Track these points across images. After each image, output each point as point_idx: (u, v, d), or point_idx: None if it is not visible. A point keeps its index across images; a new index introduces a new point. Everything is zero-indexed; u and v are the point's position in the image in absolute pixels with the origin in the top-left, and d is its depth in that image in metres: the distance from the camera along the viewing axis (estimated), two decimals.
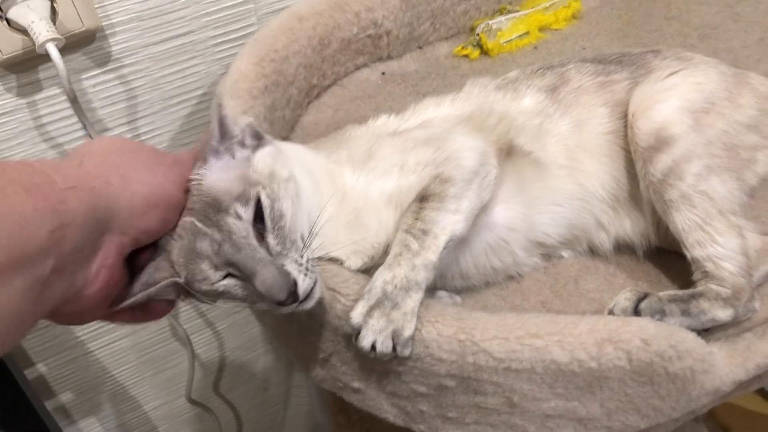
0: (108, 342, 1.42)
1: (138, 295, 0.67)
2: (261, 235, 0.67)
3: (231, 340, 1.64)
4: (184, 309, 1.49)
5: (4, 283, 0.49)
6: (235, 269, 0.66)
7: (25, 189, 0.52)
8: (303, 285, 0.65)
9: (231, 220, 0.66)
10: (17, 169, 0.54)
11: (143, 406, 1.61)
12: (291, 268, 0.66)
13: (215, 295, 0.68)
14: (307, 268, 0.67)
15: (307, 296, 0.66)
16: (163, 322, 1.46)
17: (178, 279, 0.67)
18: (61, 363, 1.38)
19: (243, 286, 0.67)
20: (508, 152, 0.83)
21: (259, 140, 0.74)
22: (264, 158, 0.72)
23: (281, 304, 0.65)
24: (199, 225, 0.66)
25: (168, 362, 1.56)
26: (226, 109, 0.72)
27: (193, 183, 0.69)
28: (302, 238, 0.70)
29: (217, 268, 0.66)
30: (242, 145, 0.72)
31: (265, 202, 0.67)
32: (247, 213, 0.66)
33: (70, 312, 0.61)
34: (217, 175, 0.69)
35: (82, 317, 0.63)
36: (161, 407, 1.65)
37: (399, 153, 0.80)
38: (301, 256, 0.67)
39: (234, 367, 1.71)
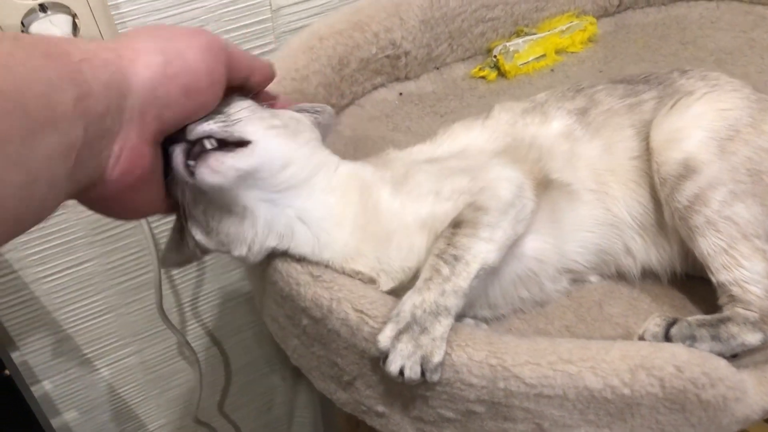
0: (114, 360, 1.41)
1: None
2: None
3: (237, 359, 1.63)
4: (192, 326, 1.48)
5: (40, 140, 0.48)
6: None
7: (45, 54, 0.50)
8: (201, 125, 0.65)
9: None
10: (34, 38, 0.52)
11: (148, 426, 1.59)
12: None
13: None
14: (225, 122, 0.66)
15: (201, 147, 0.65)
16: (170, 339, 1.45)
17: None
18: (67, 381, 1.37)
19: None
20: (544, 185, 0.82)
21: None
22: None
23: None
24: None
25: (173, 381, 1.55)
26: None
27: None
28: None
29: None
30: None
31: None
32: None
33: (97, 197, 0.60)
34: None
35: (108, 206, 0.62)
36: (166, 426, 1.63)
37: (435, 180, 0.79)
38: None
39: (239, 386, 1.69)
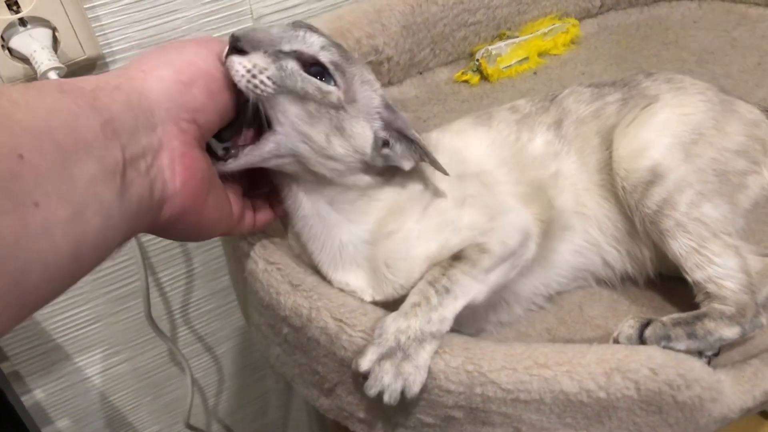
0: (106, 368, 1.41)
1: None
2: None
3: (229, 364, 1.63)
4: (183, 333, 1.48)
5: (77, 168, 0.47)
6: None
7: (59, 91, 0.50)
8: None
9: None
10: (44, 81, 0.55)
11: None
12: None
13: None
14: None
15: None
16: (161, 347, 1.45)
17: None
18: (59, 389, 1.37)
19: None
20: (548, 224, 0.83)
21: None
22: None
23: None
24: None
25: (166, 387, 1.55)
26: None
27: None
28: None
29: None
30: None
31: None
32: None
33: (171, 218, 0.59)
34: None
35: (184, 224, 0.62)
36: None
37: (454, 209, 0.78)
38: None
39: (232, 391, 1.70)
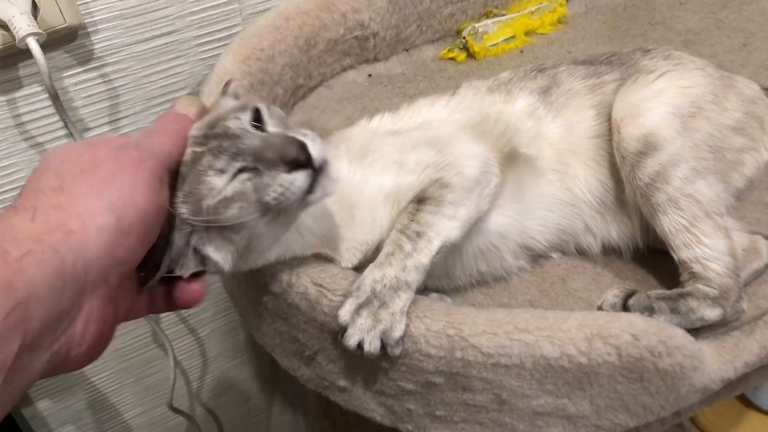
0: None
1: (159, 271, 0.61)
2: (261, 131, 0.65)
3: (213, 347, 1.62)
4: (166, 315, 1.47)
5: None
6: (240, 158, 0.61)
7: None
8: (314, 146, 0.61)
9: (227, 123, 0.63)
10: None
11: (123, 414, 1.58)
12: (296, 134, 0.62)
13: (225, 207, 0.61)
14: (314, 139, 0.63)
15: (323, 168, 0.62)
16: (144, 327, 1.44)
17: (184, 215, 0.61)
18: None
19: (251, 176, 0.61)
20: (510, 158, 0.82)
21: None
22: (280, 113, 0.70)
23: (294, 163, 0.60)
24: (198, 149, 0.62)
25: (149, 369, 1.53)
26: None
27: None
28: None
29: (222, 171, 0.61)
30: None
31: (264, 109, 0.66)
32: (245, 115, 0.64)
33: (65, 368, 0.54)
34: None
35: (81, 365, 0.56)
36: (142, 415, 1.62)
37: (398, 151, 0.79)
38: (305, 132, 0.64)
39: (217, 374, 1.69)
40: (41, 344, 0.49)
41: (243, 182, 0.61)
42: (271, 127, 0.65)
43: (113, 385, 1.51)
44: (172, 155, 0.62)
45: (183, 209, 0.61)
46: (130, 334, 1.43)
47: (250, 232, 0.64)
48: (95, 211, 0.53)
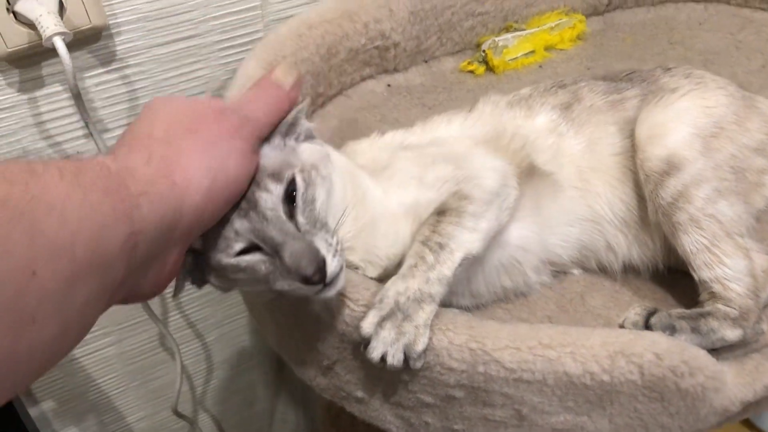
0: (95, 349, 1.39)
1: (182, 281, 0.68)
2: (290, 213, 0.65)
3: (219, 352, 1.61)
4: (174, 319, 1.46)
5: (81, 287, 0.47)
6: (261, 241, 0.63)
7: (104, 191, 0.50)
8: (332, 265, 0.63)
9: (260, 193, 0.64)
10: (94, 170, 0.51)
11: (127, 418, 1.57)
12: (320, 245, 0.63)
13: (234, 271, 0.65)
14: (336, 250, 0.64)
15: (332, 281, 0.63)
16: (152, 330, 1.43)
17: (196, 246, 0.65)
18: None
19: (266, 261, 0.64)
20: (528, 173, 0.82)
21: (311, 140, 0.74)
22: (311, 149, 0.71)
23: (307, 281, 0.61)
24: None
25: (155, 373, 1.53)
26: (305, 107, 0.72)
27: None
28: (332, 222, 0.68)
29: (239, 234, 0.64)
30: (297, 138, 0.72)
31: (300, 183, 0.66)
32: (277, 189, 0.65)
33: (127, 300, 0.59)
34: (265, 157, 0.67)
35: (138, 300, 0.61)
36: (145, 419, 1.61)
37: (417, 166, 0.79)
38: (331, 237, 0.65)
39: (221, 380, 1.68)
40: (132, 278, 0.54)
41: (257, 262, 0.64)
42: (301, 214, 0.66)
43: (119, 388, 1.50)
44: (266, 125, 0.67)
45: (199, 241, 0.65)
46: (138, 336, 1.43)
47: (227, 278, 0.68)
48: (196, 171, 0.57)
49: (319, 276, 0.61)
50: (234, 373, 1.69)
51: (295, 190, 0.66)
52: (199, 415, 1.69)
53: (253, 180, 0.65)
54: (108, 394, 1.50)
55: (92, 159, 0.53)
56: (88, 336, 1.33)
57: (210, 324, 1.53)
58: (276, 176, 0.65)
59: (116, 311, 1.32)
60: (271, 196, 0.64)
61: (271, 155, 0.68)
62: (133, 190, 0.52)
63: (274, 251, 0.63)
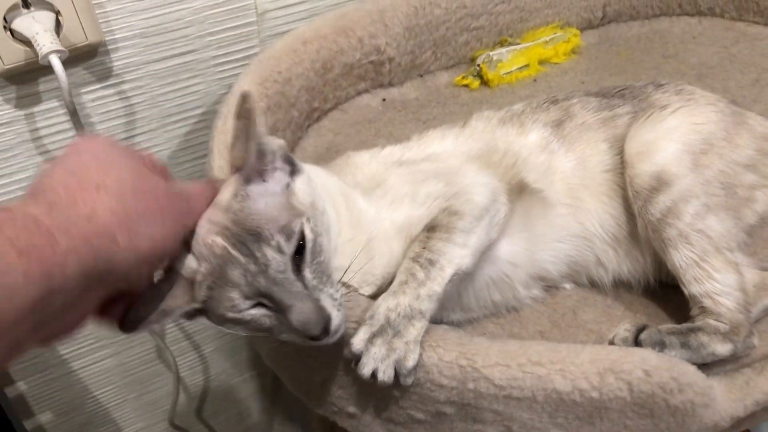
0: (92, 362, 1.39)
1: (155, 324, 0.64)
2: (298, 268, 0.64)
3: (216, 364, 1.62)
4: (171, 330, 1.47)
5: None
6: (268, 300, 0.64)
7: (19, 252, 0.47)
8: (336, 321, 0.64)
9: (271, 253, 0.63)
10: (17, 225, 0.48)
11: (124, 429, 1.58)
12: (326, 303, 0.64)
13: (238, 323, 0.65)
14: (340, 304, 0.65)
15: (335, 333, 0.64)
16: (149, 342, 1.43)
17: (197, 306, 0.65)
18: (43, 382, 1.35)
19: (273, 317, 0.64)
20: (519, 190, 0.83)
21: (291, 165, 0.71)
22: (304, 187, 0.70)
23: (313, 339, 0.63)
24: (233, 252, 0.63)
25: (151, 384, 1.53)
26: (262, 131, 0.67)
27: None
28: (334, 268, 0.69)
29: (247, 297, 0.63)
30: (274, 169, 0.69)
31: (309, 236, 0.65)
32: (289, 247, 0.64)
33: (40, 344, 0.57)
34: (261, 201, 0.66)
35: (51, 344, 0.61)
36: (143, 430, 1.61)
37: (408, 184, 0.79)
38: (336, 290, 0.66)
39: (218, 392, 1.68)
40: (44, 327, 0.51)
41: (262, 316, 0.65)
42: (308, 268, 0.65)
43: (116, 400, 1.50)
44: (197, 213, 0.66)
45: (200, 292, 0.64)
46: (135, 349, 1.43)
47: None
48: (140, 233, 0.55)
49: (324, 334, 0.63)
50: (231, 385, 1.69)
51: (303, 242, 0.65)
52: (196, 427, 1.69)
53: (261, 237, 0.64)
54: (105, 406, 1.50)
55: (22, 209, 0.50)
56: (85, 348, 1.35)
57: (206, 336, 1.54)
58: (285, 230, 0.64)
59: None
60: (283, 257, 0.63)
61: (271, 203, 0.66)
62: (63, 245, 0.49)
63: (280, 310, 0.63)
